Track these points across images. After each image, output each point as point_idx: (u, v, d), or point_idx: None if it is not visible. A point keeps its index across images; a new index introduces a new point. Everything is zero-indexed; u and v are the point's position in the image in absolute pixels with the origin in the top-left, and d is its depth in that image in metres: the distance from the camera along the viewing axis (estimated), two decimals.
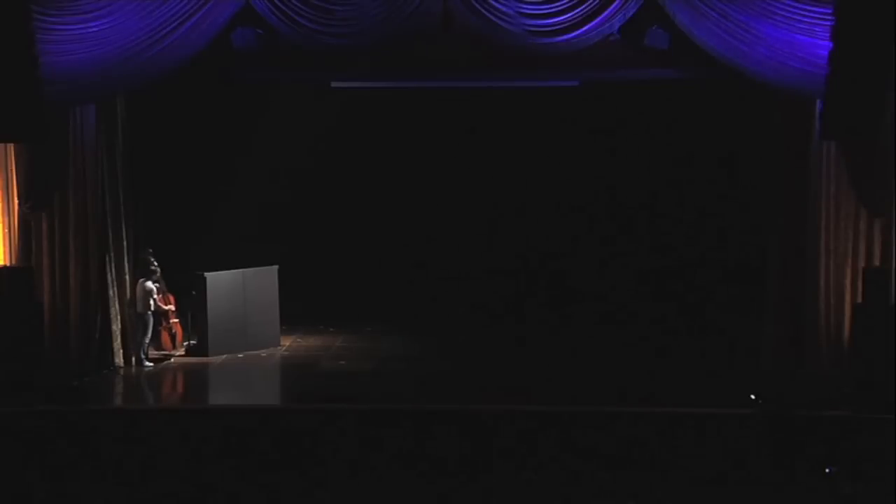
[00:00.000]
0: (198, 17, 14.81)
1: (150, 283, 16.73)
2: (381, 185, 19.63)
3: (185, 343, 17.66)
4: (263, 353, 17.55)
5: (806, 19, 14.17)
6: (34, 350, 14.96)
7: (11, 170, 15.42)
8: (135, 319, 16.66)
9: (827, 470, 11.62)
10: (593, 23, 14.79)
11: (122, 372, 16.36)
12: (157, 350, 17.37)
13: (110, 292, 16.36)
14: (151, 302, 16.69)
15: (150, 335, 16.84)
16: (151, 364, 16.73)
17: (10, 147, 15.36)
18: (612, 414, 13.88)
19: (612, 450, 12.81)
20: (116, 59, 14.81)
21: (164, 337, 17.47)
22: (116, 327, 16.45)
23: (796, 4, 14.19)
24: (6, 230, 15.45)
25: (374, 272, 19.48)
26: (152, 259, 16.98)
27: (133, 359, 16.60)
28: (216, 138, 18.77)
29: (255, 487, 11.70)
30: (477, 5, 14.68)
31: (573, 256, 19.44)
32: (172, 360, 17.21)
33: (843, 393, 14.26)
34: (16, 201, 15.47)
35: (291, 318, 18.36)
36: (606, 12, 14.74)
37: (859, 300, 14.77)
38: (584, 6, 14.73)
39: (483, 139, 19.27)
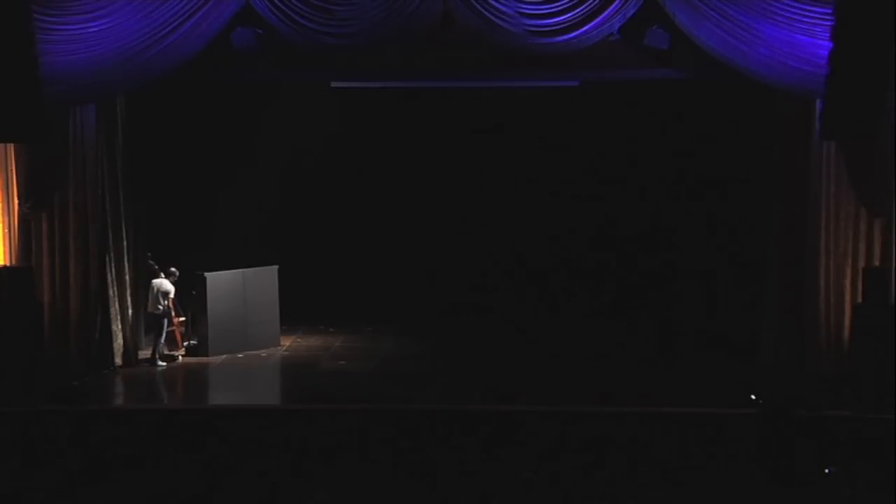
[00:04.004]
0: (198, 18, 14.82)
1: (168, 283, 16.79)
2: (381, 185, 19.64)
3: (186, 343, 17.66)
4: (263, 353, 17.55)
5: (806, 19, 14.19)
6: (34, 350, 14.96)
7: (11, 170, 15.43)
8: (150, 320, 16.73)
9: (827, 470, 11.61)
10: (593, 23, 14.81)
11: (122, 372, 16.39)
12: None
13: (110, 292, 16.37)
14: (168, 302, 16.75)
15: (164, 336, 16.90)
16: (164, 364, 16.77)
17: (10, 147, 15.37)
18: (611, 414, 13.90)
19: (611, 450, 12.79)
20: (116, 59, 14.83)
21: (176, 336, 17.50)
22: (116, 327, 16.48)
23: (796, 4, 14.21)
24: (6, 230, 15.45)
25: (374, 272, 19.48)
26: (152, 262, 17.00)
27: (133, 359, 16.66)
28: (216, 138, 18.77)
29: (255, 487, 11.70)
30: (477, 5, 14.69)
31: (574, 255, 19.43)
32: (179, 359, 17.22)
33: (843, 393, 14.27)
34: (16, 201, 15.47)
35: (291, 318, 18.37)
36: (606, 12, 14.76)
37: (859, 300, 14.77)
38: (583, 6, 14.76)
39: (483, 139, 19.26)
